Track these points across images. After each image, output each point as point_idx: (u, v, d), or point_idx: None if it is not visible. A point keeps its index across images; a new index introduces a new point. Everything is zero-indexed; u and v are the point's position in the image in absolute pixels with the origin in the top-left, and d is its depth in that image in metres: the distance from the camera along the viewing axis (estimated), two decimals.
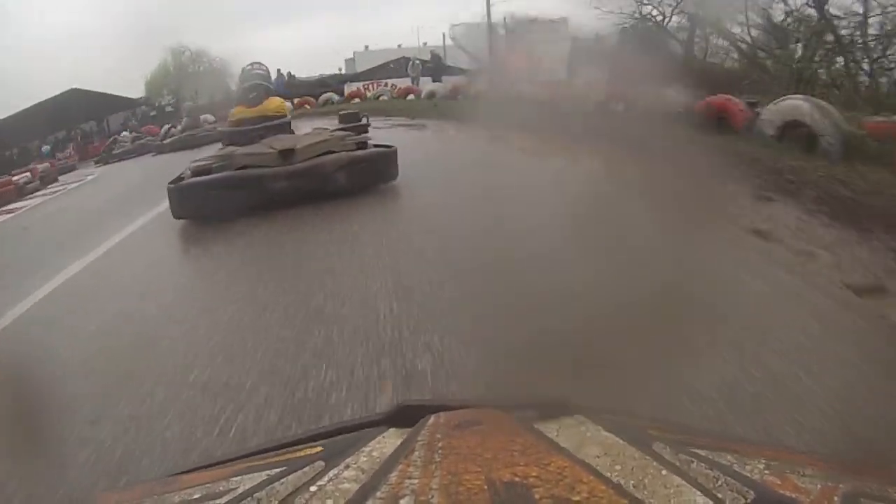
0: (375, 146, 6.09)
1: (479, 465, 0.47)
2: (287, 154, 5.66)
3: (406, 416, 0.69)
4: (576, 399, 0.67)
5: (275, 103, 7.00)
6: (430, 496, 0.42)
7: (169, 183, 5.66)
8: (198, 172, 5.73)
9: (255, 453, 0.70)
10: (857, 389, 1.99)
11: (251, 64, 7.28)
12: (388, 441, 0.62)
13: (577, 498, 0.42)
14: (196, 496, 0.54)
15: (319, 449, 0.63)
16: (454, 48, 20.20)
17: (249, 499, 0.52)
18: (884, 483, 0.54)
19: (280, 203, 5.39)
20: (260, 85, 6.97)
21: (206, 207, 5.45)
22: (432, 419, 0.61)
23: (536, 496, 0.42)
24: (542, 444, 0.54)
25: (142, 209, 6.77)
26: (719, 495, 0.48)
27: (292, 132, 6.81)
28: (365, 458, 0.57)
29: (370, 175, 5.75)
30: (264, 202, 5.37)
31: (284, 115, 7.01)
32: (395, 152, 5.88)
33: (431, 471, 0.47)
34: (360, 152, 5.87)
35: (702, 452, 0.55)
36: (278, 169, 5.56)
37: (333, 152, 5.77)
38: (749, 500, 0.47)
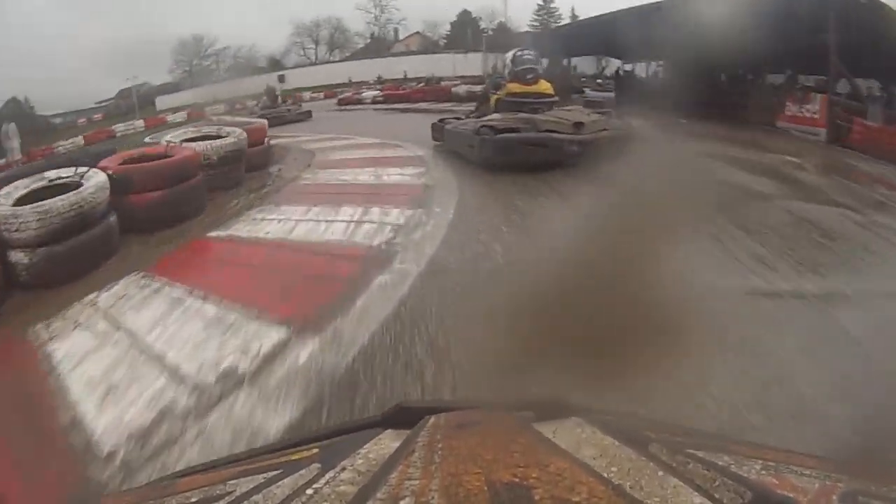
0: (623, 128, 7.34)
1: (479, 465, 0.46)
2: (579, 125, 7.01)
3: (402, 418, 0.68)
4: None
5: (545, 84, 8.41)
6: (430, 497, 0.42)
7: (474, 133, 7.18)
8: (503, 130, 7.07)
9: (252, 456, 0.70)
10: None
11: (521, 50, 8.77)
12: (385, 442, 0.62)
13: (576, 499, 0.42)
14: (194, 499, 0.54)
15: (315, 451, 0.62)
16: None
17: (247, 502, 0.51)
18: (880, 482, 0.54)
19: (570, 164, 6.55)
20: (535, 69, 8.46)
21: (512, 158, 6.76)
22: (432, 420, 0.61)
23: (536, 497, 0.42)
24: (542, 445, 0.54)
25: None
26: (716, 495, 0.48)
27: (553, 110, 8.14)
28: (361, 460, 0.57)
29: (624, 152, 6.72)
30: (559, 161, 6.46)
31: (553, 95, 8.38)
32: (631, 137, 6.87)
33: (431, 471, 0.47)
34: (623, 132, 6.89)
35: (699, 453, 0.55)
36: (573, 136, 6.83)
37: (606, 130, 6.98)
38: (746, 500, 0.47)
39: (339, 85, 25.84)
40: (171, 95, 24.75)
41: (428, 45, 27.53)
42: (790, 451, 0.60)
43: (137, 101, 23.49)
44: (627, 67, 18.70)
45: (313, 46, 28.73)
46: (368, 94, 22.15)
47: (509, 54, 8.82)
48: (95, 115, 22.82)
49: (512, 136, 6.95)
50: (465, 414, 0.64)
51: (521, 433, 0.57)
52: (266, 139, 8.78)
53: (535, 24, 25.85)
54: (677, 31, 8.60)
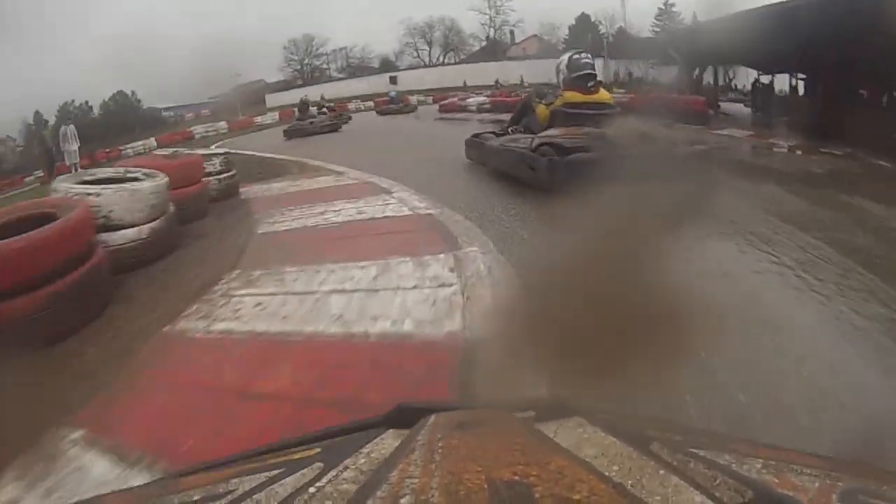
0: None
1: (479, 464, 0.47)
2: (646, 140, 5.92)
3: (403, 418, 0.69)
4: None
5: (606, 94, 7.41)
6: (430, 495, 0.42)
7: (541, 155, 6.07)
8: (569, 149, 5.99)
9: (254, 455, 0.70)
10: None
11: (578, 52, 7.65)
12: (386, 442, 0.62)
13: (576, 497, 0.42)
14: (196, 498, 0.54)
15: (318, 450, 0.63)
16: None
17: (248, 500, 0.52)
18: (880, 482, 0.54)
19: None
20: (595, 75, 7.39)
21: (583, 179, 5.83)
22: (432, 419, 0.61)
23: (536, 495, 0.42)
24: (542, 443, 0.55)
25: None
26: (717, 494, 0.48)
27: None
28: (363, 460, 0.57)
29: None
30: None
31: (613, 105, 7.32)
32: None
33: (431, 470, 0.47)
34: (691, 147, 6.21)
35: (700, 452, 0.55)
36: (648, 154, 5.66)
37: (677, 145, 6.26)
38: (747, 499, 0.48)
39: (451, 88, 24.87)
40: (280, 94, 25.03)
41: (546, 49, 26.00)
42: (791, 450, 0.61)
43: (249, 98, 23.97)
44: (765, 79, 15.84)
45: (426, 48, 28.35)
46: (473, 100, 19.90)
47: (564, 57, 7.70)
48: (203, 111, 23.30)
49: (583, 157, 5.83)
50: (465, 413, 0.64)
51: (521, 432, 0.57)
52: (201, 180, 6.21)
53: (655, 29, 24.84)
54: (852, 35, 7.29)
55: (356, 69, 26.84)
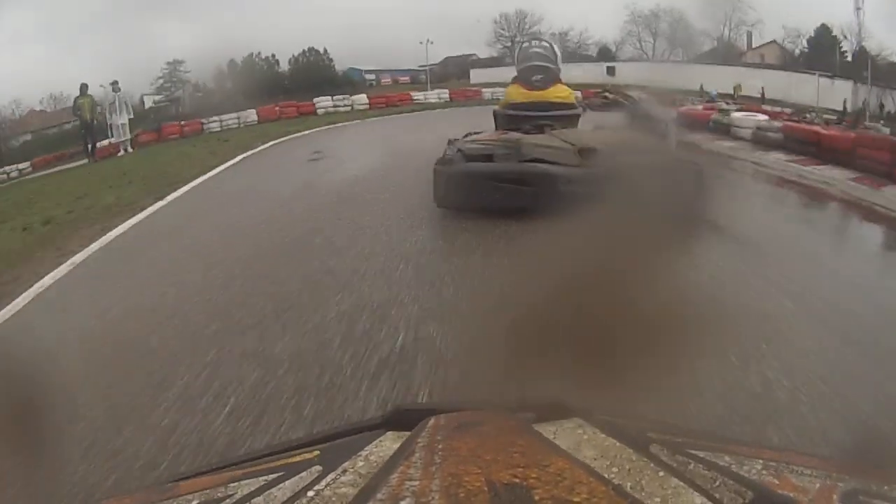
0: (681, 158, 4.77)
1: (479, 466, 0.47)
2: (587, 153, 4.57)
3: (402, 420, 0.69)
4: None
5: (563, 90, 6.02)
6: (430, 497, 0.42)
7: (436, 163, 4.90)
8: (474, 156, 4.81)
9: (253, 458, 0.70)
10: None
11: (530, 40, 6.70)
12: (386, 445, 0.62)
13: (576, 499, 0.42)
14: (194, 503, 0.54)
15: (316, 453, 0.63)
16: None
17: None
18: (881, 483, 0.54)
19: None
20: (547, 67, 5.96)
21: (479, 199, 4.55)
22: (432, 421, 0.61)
23: (536, 497, 0.42)
24: (542, 445, 0.55)
25: None
26: (717, 496, 0.48)
27: (576, 125, 5.75)
28: (362, 463, 0.57)
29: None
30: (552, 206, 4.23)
31: (573, 105, 5.98)
32: (700, 172, 4.44)
33: (432, 472, 0.47)
34: (669, 164, 4.35)
35: (700, 454, 0.55)
36: (574, 170, 4.39)
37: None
38: (747, 501, 0.48)
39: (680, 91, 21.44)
40: (484, 70, 22.91)
41: (786, 59, 22.20)
42: (791, 451, 0.61)
43: (456, 72, 23.04)
44: None
45: (650, 40, 24.88)
46: (743, 117, 12.06)
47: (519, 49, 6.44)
48: (402, 78, 22.50)
49: (476, 168, 4.71)
50: (465, 415, 0.64)
51: (521, 434, 0.57)
52: None
53: None
54: None
55: (570, 55, 22.98)
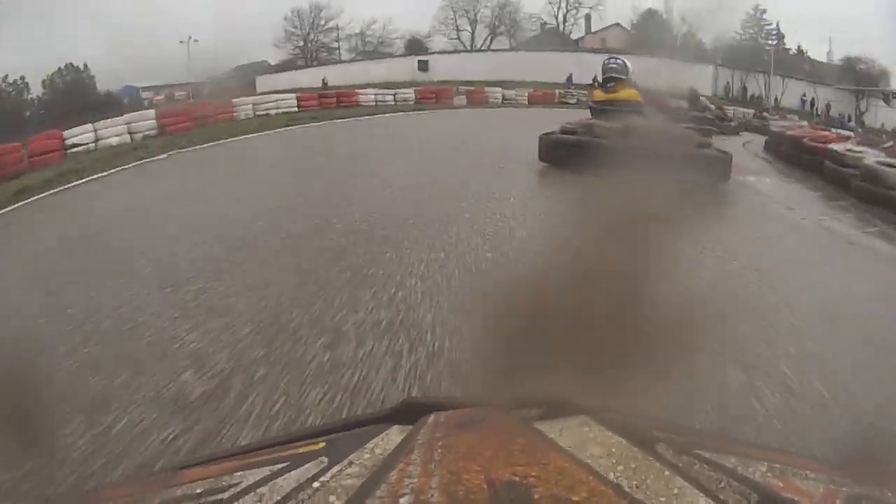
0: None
1: (478, 464, 0.47)
2: (633, 134, 6.80)
3: (410, 413, 0.69)
4: None
5: (628, 92, 8.81)
6: (430, 494, 0.42)
7: (540, 135, 8.28)
8: (565, 131, 8.16)
9: (259, 448, 0.71)
10: None
11: (610, 57, 9.53)
12: (391, 438, 0.62)
13: (576, 498, 0.42)
14: (199, 490, 0.55)
15: (322, 445, 0.63)
16: None
17: (252, 494, 0.52)
18: (885, 488, 0.54)
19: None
20: (616, 77, 9.06)
21: (561, 157, 7.74)
22: (432, 418, 0.61)
23: (536, 496, 0.42)
24: (543, 443, 0.54)
25: None
26: (722, 497, 0.48)
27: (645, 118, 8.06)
28: (368, 455, 0.57)
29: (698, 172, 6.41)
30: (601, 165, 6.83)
31: (639, 103, 8.51)
32: (729, 159, 7.28)
33: (431, 469, 0.47)
34: (698, 151, 6.93)
35: (705, 454, 0.55)
36: (620, 145, 6.68)
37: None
38: (752, 502, 0.47)
39: (502, 82, 19.56)
40: (274, 76, 19.48)
41: (634, 42, 20.35)
42: (796, 454, 0.60)
43: (239, 83, 18.78)
44: None
45: (469, 28, 21.73)
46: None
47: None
48: (179, 93, 18.31)
49: (563, 138, 8.02)
50: (465, 413, 0.64)
51: (521, 432, 0.57)
52: None
53: (744, 37, 20.51)
54: None
55: (369, 53, 20.81)
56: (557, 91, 20.04)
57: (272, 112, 16.50)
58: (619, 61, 9.24)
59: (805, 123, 14.24)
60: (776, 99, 17.90)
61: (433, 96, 19.63)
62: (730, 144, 10.27)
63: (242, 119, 15.64)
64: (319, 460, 0.57)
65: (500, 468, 0.46)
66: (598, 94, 9.16)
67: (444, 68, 20.39)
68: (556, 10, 21.59)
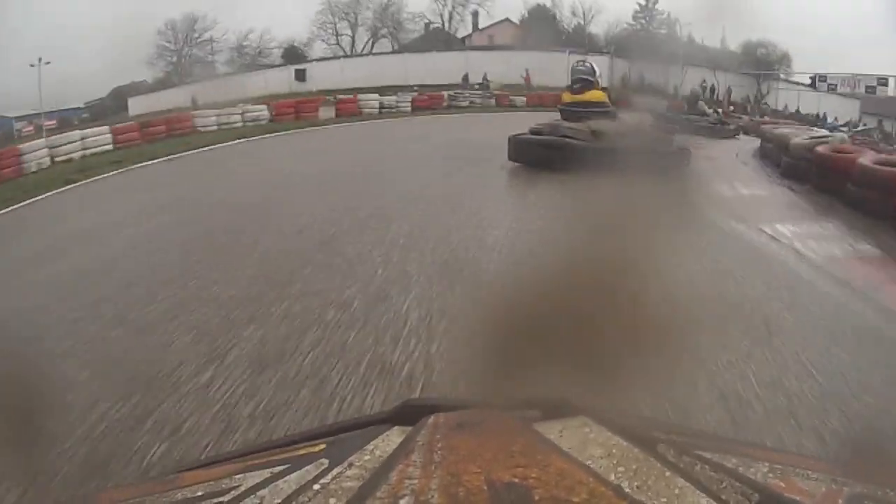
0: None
1: (478, 465, 0.47)
2: (598, 134, 7.83)
3: (410, 415, 0.69)
4: None
5: (596, 94, 9.39)
6: (430, 496, 0.42)
7: (509, 136, 8.50)
8: (533, 132, 8.44)
9: (259, 450, 0.70)
10: None
11: (578, 61, 10.31)
12: (391, 440, 0.62)
13: (576, 499, 0.42)
14: (199, 493, 0.54)
15: (322, 447, 0.63)
16: None
17: (253, 496, 0.52)
18: (885, 486, 0.54)
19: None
20: (584, 79, 9.57)
21: (530, 156, 8.14)
22: (432, 419, 0.61)
23: (536, 497, 0.42)
24: (543, 445, 0.54)
25: None
26: (723, 497, 0.48)
27: (614, 118, 8.76)
28: (368, 457, 0.57)
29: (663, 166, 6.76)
30: (570, 165, 6.84)
31: (606, 104, 9.26)
32: (688, 153, 7.70)
33: (431, 471, 0.47)
34: (659, 147, 7.34)
35: (706, 455, 0.55)
36: (587, 144, 7.64)
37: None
38: (753, 503, 0.47)
39: (383, 88, 17.76)
40: (147, 97, 17.19)
41: (526, 38, 19.57)
42: (797, 454, 0.60)
43: (112, 106, 16.79)
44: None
45: (349, 33, 19.97)
46: None
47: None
48: (48, 122, 15.51)
49: (530, 137, 8.29)
50: (465, 414, 0.64)
51: (521, 433, 0.57)
52: None
53: (637, 27, 20.45)
54: None
55: (247, 66, 19.03)
56: (446, 93, 18.16)
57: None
58: (587, 65, 9.90)
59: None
60: (675, 88, 17.87)
61: (292, 111, 16.38)
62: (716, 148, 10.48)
63: None
64: (319, 462, 0.57)
65: (500, 470, 0.46)
66: (567, 97, 9.68)
67: (323, 77, 18.59)
68: (441, 7, 20.31)
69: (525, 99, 17.80)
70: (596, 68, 9.90)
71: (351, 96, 17.45)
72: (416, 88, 18.27)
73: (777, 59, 18.49)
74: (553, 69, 16.87)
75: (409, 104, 17.88)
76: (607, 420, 0.63)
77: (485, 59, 19.20)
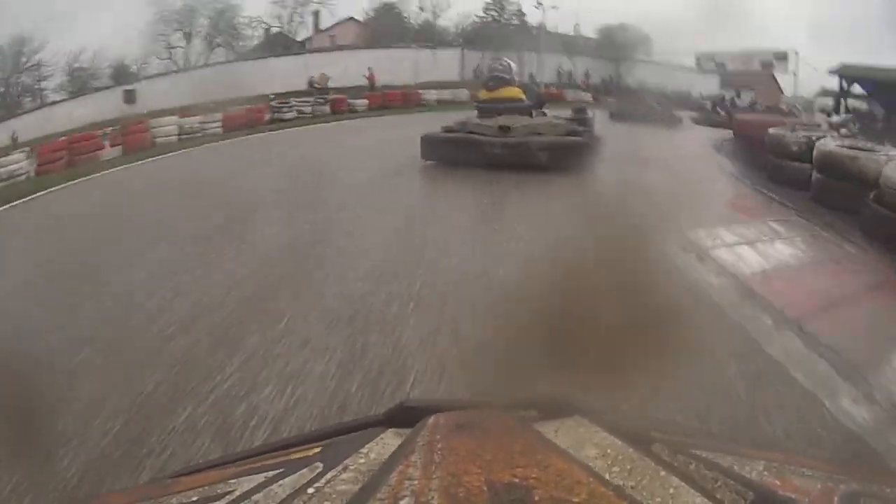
0: (580, 137, 8.19)
1: (478, 466, 0.46)
2: (505, 129, 8.19)
3: (404, 417, 0.68)
4: None
5: (511, 91, 9.57)
6: (430, 497, 0.42)
7: (421, 135, 8.57)
8: (445, 130, 8.65)
9: (253, 455, 0.70)
10: None
11: (494, 58, 10.77)
12: (387, 442, 0.62)
13: (576, 500, 0.42)
14: (194, 498, 0.54)
15: (317, 450, 0.62)
16: None
17: (247, 501, 0.51)
18: (881, 484, 0.54)
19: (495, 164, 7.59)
20: (498, 77, 9.83)
21: (442, 155, 8.28)
22: (432, 420, 0.60)
23: (536, 497, 0.42)
24: (542, 445, 0.54)
25: None
26: (718, 496, 0.48)
27: (531, 114, 9.02)
28: (363, 460, 0.57)
29: (566, 159, 7.51)
30: (481, 161, 7.64)
31: (521, 100, 9.43)
32: (587, 145, 7.96)
33: (431, 472, 0.47)
34: (563, 139, 8.01)
35: (701, 454, 0.55)
36: (495, 139, 8.03)
37: (541, 134, 8.11)
38: (748, 501, 0.47)
39: (221, 102, 14.29)
40: None
41: (371, 36, 18.50)
42: (792, 453, 0.61)
43: None
44: None
45: (183, 45, 17.48)
46: None
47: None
48: None
49: (440, 135, 8.46)
50: (464, 414, 0.64)
51: (521, 433, 0.57)
52: None
53: (486, 18, 19.60)
54: None
55: (78, 91, 15.96)
56: (270, 104, 15.58)
57: None
58: (503, 63, 10.18)
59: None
60: (531, 75, 17.81)
61: (62, 153, 11.58)
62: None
63: None
64: (314, 466, 0.57)
65: (500, 470, 0.46)
66: (483, 94, 9.92)
67: (156, 96, 15.83)
68: (281, 10, 18.51)
69: (367, 101, 16.15)
70: (513, 66, 10.24)
71: (137, 125, 13.48)
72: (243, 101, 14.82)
73: (639, 40, 18.52)
74: (400, 67, 16.67)
75: (220, 125, 14.10)
76: (602, 420, 0.63)
77: (326, 61, 17.58)
